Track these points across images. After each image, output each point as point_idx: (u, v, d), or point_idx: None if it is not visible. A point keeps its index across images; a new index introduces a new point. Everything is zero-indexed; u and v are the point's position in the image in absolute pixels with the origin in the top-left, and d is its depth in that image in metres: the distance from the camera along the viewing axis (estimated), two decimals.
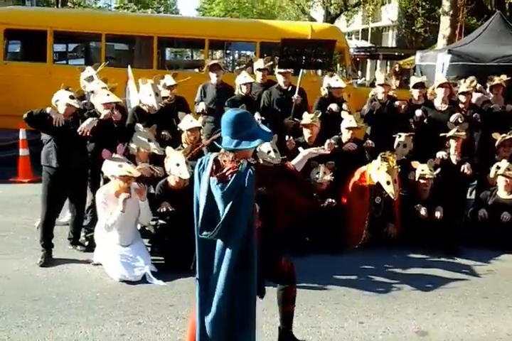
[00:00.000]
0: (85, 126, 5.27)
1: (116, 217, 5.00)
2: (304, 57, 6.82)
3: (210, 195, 3.12)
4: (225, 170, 3.09)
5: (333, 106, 6.87)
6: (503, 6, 20.75)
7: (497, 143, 6.70)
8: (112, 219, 5.01)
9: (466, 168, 6.42)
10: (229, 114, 3.21)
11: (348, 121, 6.48)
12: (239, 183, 3.04)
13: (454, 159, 6.55)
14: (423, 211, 6.02)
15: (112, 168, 5.13)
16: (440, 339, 4.13)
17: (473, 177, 6.74)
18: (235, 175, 3.06)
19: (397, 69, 7.96)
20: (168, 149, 5.52)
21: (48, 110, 5.15)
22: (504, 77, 7.32)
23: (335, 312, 4.48)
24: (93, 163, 5.65)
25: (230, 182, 3.05)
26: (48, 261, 5.25)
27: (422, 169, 6.19)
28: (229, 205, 3.04)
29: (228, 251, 3.10)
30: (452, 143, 6.57)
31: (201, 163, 3.22)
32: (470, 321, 4.43)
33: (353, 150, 6.40)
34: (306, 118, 6.39)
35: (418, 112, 6.93)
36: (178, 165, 5.32)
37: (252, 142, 3.15)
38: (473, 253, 5.93)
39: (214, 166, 3.14)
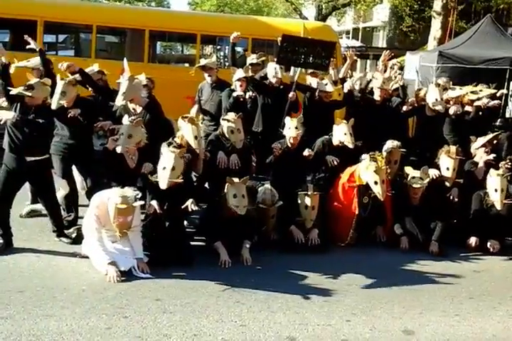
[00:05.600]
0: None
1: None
2: (302, 56, 6.78)
3: None
4: None
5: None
6: (491, 9, 20.96)
7: (478, 145, 6.71)
8: (105, 240, 4.95)
9: (453, 195, 6.41)
10: None
11: (342, 133, 6.33)
12: None
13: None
14: None
15: (113, 197, 4.83)
16: (426, 339, 4.15)
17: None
18: None
19: (395, 67, 7.99)
20: (163, 147, 5.43)
21: None
22: None
23: (322, 310, 4.48)
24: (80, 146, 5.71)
25: None
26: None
27: (412, 176, 6.11)
28: None
29: None
30: None
31: None
32: (456, 321, 4.45)
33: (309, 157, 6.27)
34: (291, 130, 6.23)
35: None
36: (164, 168, 5.17)
37: None
38: (459, 255, 5.98)
39: None
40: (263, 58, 7.57)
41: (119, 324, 4.03)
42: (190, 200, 5.19)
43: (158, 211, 5.20)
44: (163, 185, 5.12)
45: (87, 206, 5.21)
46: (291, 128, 6.24)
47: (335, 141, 6.48)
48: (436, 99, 6.97)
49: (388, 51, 7.82)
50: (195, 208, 5.24)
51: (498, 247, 6.03)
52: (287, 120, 6.37)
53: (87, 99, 5.96)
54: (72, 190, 5.93)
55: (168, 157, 5.23)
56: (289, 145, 6.28)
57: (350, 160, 6.28)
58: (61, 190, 5.90)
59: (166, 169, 5.16)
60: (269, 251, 5.63)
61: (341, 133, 6.39)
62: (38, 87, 5.30)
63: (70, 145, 5.75)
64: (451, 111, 7.13)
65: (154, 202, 5.24)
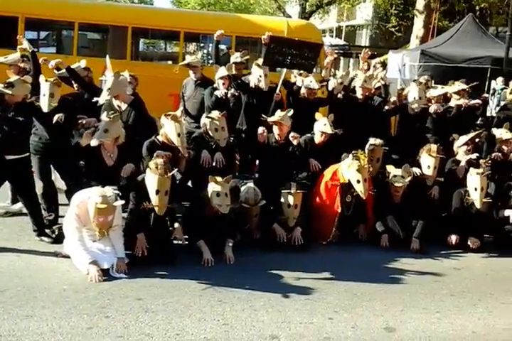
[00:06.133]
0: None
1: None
2: (289, 58, 6.81)
3: None
4: None
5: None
6: (474, 9, 21.15)
7: (460, 143, 6.73)
8: (86, 240, 4.91)
9: (434, 193, 6.43)
10: None
11: (322, 124, 6.42)
12: None
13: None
14: None
15: (93, 196, 4.75)
16: (408, 336, 4.18)
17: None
18: None
19: (378, 65, 8.07)
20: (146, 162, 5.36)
21: None
22: None
23: (304, 308, 4.49)
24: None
25: None
26: None
27: (394, 175, 6.13)
28: None
29: None
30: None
31: None
32: (437, 318, 4.49)
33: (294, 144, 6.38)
34: (275, 115, 6.33)
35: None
36: (158, 192, 4.99)
37: None
38: (440, 252, 6.04)
39: None
40: (247, 57, 7.55)
41: (101, 324, 4.00)
42: (178, 228, 5.24)
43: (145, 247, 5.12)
44: (160, 212, 5.04)
45: (68, 205, 5.16)
46: (276, 115, 6.31)
47: (317, 136, 6.49)
48: (415, 98, 7.03)
49: (367, 49, 7.87)
50: (182, 242, 5.33)
51: (479, 244, 6.09)
52: (278, 111, 6.39)
53: (67, 99, 5.92)
54: (52, 190, 5.87)
55: (158, 181, 5.00)
56: (276, 136, 6.31)
57: (332, 158, 6.31)
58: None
59: (159, 194, 4.99)
60: (252, 249, 5.63)
61: (321, 125, 6.43)
62: (18, 85, 5.24)
63: (48, 144, 5.68)
64: (431, 110, 7.19)
65: (143, 242, 5.12)
